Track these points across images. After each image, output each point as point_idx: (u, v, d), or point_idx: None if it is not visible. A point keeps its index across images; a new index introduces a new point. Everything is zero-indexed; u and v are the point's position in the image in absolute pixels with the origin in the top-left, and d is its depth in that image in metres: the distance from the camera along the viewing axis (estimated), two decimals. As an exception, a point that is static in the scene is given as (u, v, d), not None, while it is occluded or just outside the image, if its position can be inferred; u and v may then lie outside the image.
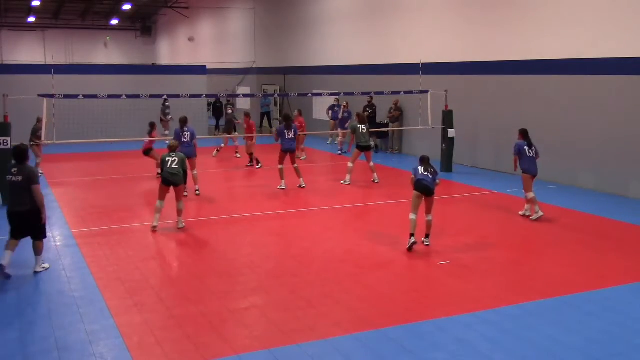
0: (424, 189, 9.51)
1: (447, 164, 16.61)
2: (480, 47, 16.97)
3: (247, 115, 18.04)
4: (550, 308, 7.30)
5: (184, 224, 10.85)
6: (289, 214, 12.09)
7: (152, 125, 15.53)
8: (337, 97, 21.60)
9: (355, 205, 12.78)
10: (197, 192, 13.63)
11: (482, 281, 8.21)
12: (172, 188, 10.68)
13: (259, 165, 17.39)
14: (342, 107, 20.85)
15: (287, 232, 10.79)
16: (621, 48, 13.22)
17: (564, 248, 9.70)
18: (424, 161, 9.80)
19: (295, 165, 14.37)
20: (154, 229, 10.60)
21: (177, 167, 10.61)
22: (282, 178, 14.35)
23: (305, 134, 19.70)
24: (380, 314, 7.13)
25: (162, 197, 10.69)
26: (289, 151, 14.17)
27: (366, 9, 21.90)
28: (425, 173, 9.60)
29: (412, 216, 9.46)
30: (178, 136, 13.48)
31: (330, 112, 22.41)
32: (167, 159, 10.70)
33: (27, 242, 10.06)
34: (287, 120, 14.36)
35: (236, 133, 20.55)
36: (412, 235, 9.40)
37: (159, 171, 15.55)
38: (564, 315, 7.10)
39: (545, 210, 12.18)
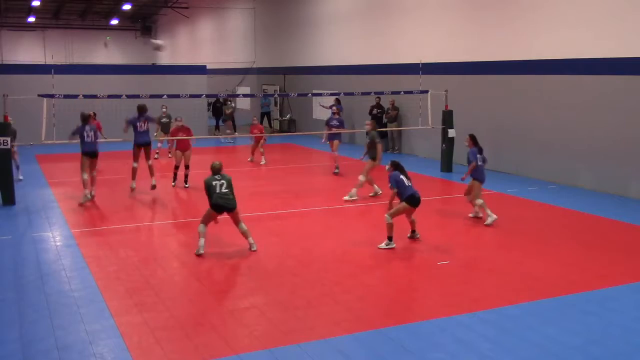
0: (418, 203, 9.58)
1: (447, 164, 16.61)
2: (480, 47, 16.96)
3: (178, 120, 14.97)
4: (550, 308, 7.30)
5: (255, 246, 9.55)
6: (289, 214, 12.09)
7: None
8: (337, 97, 21.59)
9: (355, 205, 12.77)
10: (89, 197, 12.64)
11: (482, 281, 8.21)
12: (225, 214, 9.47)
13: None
14: (333, 113, 17.43)
15: (287, 232, 10.79)
16: (621, 48, 13.22)
17: (564, 248, 9.70)
18: (401, 168, 9.76)
19: (150, 162, 13.59)
20: (199, 255, 9.31)
21: (227, 190, 9.28)
22: (133, 178, 13.50)
23: (265, 137, 18.81)
24: (380, 314, 7.14)
25: (208, 221, 9.40)
26: (143, 145, 13.35)
27: (366, 9, 21.90)
28: (410, 183, 9.61)
29: (391, 220, 9.48)
30: (81, 134, 12.58)
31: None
32: (214, 182, 9.24)
33: (28, 242, 10.08)
34: (140, 111, 13.34)
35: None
36: (391, 238, 9.51)
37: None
38: (564, 315, 7.10)
39: (545, 210, 12.19)
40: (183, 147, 14.44)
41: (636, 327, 6.77)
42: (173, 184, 14.50)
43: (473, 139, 11.60)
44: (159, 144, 19.41)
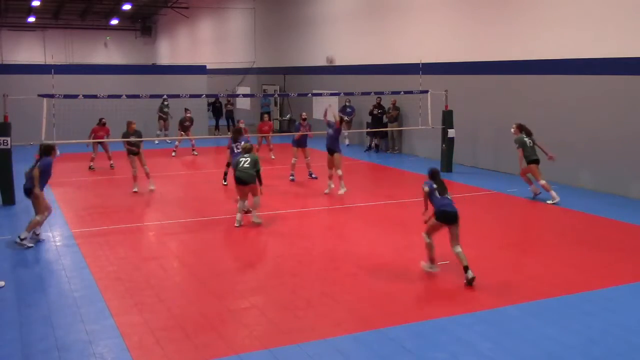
0: (450, 219, 8.12)
1: (447, 164, 16.60)
2: (480, 47, 16.96)
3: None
4: (550, 308, 7.30)
5: (258, 220, 11.05)
6: (289, 214, 12.09)
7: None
8: (338, 97, 21.62)
9: (356, 205, 12.77)
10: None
11: (482, 281, 8.21)
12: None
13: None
14: (301, 121, 15.97)
15: (287, 232, 10.79)
16: (621, 48, 13.22)
17: (564, 248, 9.70)
18: (434, 175, 8.42)
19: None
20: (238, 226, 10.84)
21: (248, 166, 10.81)
22: None
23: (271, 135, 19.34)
24: (380, 314, 7.13)
25: (239, 195, 11.04)
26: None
27: (366, 9, 21.90)
28: (444, 195, 8.28)
29: (429, 239, 8.20)
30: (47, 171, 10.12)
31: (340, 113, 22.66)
32: (240, 159, 10.94)
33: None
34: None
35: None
36: (433, 260, 8.19)
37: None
38: (564, 315, 7.10)
39: (546, 210, 12.19)
40: None
41: (636, 327, 6.77)
42: (224, 182, 14.59)
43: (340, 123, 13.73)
44: (177, 143, 20.16)
